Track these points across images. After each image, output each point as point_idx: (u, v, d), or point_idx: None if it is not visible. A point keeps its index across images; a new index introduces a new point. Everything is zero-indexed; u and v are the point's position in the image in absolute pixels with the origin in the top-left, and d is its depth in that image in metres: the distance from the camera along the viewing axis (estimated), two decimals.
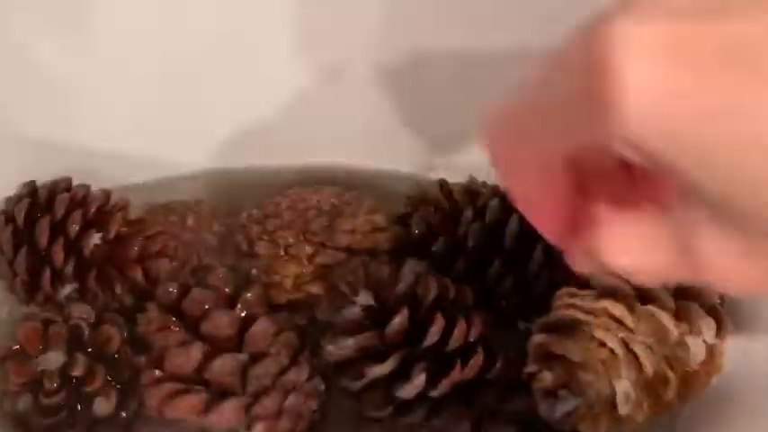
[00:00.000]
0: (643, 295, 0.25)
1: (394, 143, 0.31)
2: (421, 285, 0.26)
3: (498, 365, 0.26)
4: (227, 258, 0.30)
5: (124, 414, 0.28)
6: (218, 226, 0.32)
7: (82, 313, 0.28)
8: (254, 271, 0.29)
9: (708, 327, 0.25)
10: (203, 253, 0.31)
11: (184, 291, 0.28)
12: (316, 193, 0.30)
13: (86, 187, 0.30)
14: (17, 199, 0.28)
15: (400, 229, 0.29)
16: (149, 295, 0.29)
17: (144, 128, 0.33)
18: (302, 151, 0.32)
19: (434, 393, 0.25)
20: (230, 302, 0.28)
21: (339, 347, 0.25)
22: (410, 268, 0.26)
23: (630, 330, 0.25)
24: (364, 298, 0.26)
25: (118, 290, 0.29)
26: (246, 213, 0.30)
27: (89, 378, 0.27)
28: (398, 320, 0.25)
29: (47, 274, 0.27)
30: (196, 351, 0.26)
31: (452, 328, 0.25)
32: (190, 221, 0.32)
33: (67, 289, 0.28)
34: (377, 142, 0.32)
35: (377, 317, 0.25)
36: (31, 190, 0.29)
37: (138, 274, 0.29)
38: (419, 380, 0.24)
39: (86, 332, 0.28)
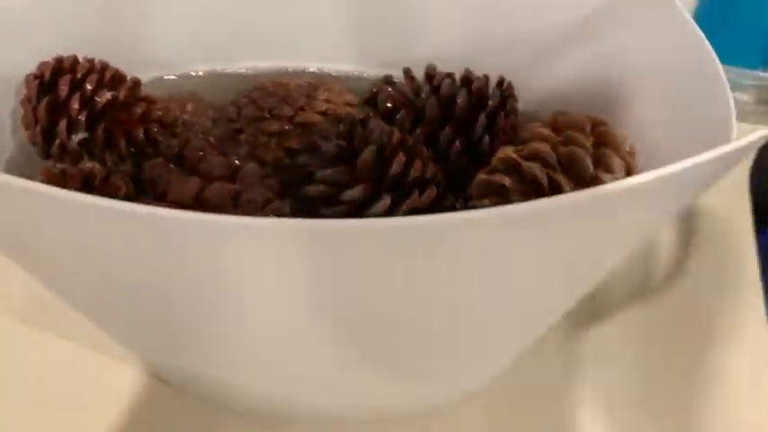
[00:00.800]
0: (566, 141, 0.31)
1: (363, 46, 0.37)
2: (385, 136, 0.31)
3: (449, 201, 0.31)
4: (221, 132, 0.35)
5: None
6: (212, 113, 0.37)
7: (96, 168, 0.33)
8: (242, 135, 0.34)
9: (620, 168, 0.31)
10: (199, 131, 0.36)
11: (185, 142, 0.33)
12: (297, 76, 0.35)
13: (106, 63, 0.34)
14: (46, 64, 0.33)
15: (369, 108, 0.35)
16: (149, 156, 0.34)
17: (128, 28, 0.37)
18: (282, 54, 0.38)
19: (397, 215, 0.30)
20: (224, 155, 0.33)
21: (317, 181, 0.30)
22: (376, 123, 0.32)
23: (553, 167, 0.30)
24: (337, 141, 0.31)
25: (122, 146, 0.33)
26: (237, 94, 0.36)
27: None
28: (367, 152, 0.30)
29: (63, 121, 0.32)
30: (194, 183, 0.31)
31: (412, 164, 0.30)
32: (189, 107, 0.37)
33: (80, 136, 0.32)
34: (347, 46, 0.37)
35: (348, 155, 0.30)
36: (58, 59, 0.33)
37: (140, 133, 0.33)
38: (386, 201, 0.29)
39: (97, 180, 0.32)
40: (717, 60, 0.27)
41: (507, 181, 0.30)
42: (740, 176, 0.48)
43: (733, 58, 0.49)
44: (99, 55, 0.37)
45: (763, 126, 0.37)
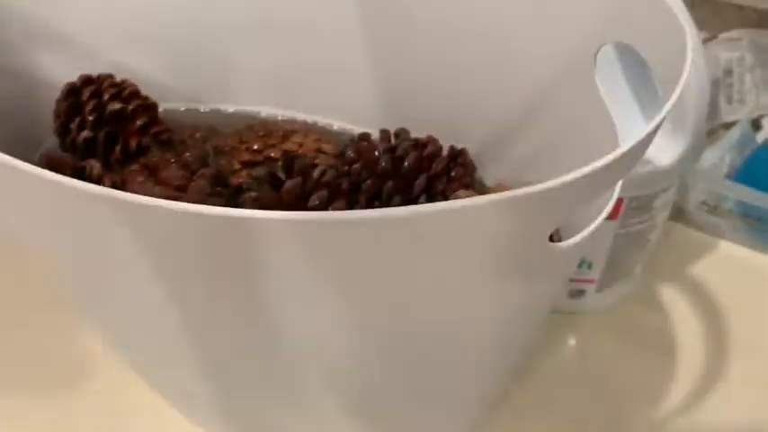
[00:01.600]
0: None
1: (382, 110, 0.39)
2: (324, 176, 0.32)
3: None
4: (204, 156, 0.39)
5: None
6: (214, 141, 0.41)
7: (93, 164, 0.38)
8: (222, 161, 0.37)
9: None
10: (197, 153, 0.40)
11: (161, 156, 0.37)
12: (288, 123, 0.38)
13: (132, 83, 0.40)
14: (84, 76, 0.39)
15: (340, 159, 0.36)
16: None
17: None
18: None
19: None
20: (192, 172, 0.36)
21: (243, 201, 0.32)
22: (321, 167, 0.33)
23: None
24: (273, 170, 0.32)
25: (117, 150, 0.37)
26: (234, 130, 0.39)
27: None
28: (291, 182, 0.31)
29: (76, 120, 0.37)
30: (147, 186, 0.34)
31: (333, 202, 0.31)
32: (198, 135, 0.41)
33: (85, 134, 0.37)
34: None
35: (279, 182, 0.32)
36: (98, 75, 0.40)
37: (134, 143, 0.38)
38: None
39: (87, 175, 0.37)
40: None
41: None
42: None
43: None
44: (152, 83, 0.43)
45: None
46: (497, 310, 0.24)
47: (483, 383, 0.30)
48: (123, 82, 0.40)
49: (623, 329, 0.43)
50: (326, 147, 0.37)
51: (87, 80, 0.38)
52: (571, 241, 0.22)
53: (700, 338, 0.43)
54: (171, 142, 0.39)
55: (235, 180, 0.36)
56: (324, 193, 0.31)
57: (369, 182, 0.34)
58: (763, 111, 0.55)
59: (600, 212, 0.24)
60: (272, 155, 0.36)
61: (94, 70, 0.40)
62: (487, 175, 0.37)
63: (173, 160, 0.35)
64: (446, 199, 0.33)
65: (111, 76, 0.39)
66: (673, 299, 0.45)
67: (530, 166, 0.34)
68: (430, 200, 0.33)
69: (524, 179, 0.34)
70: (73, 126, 0.37)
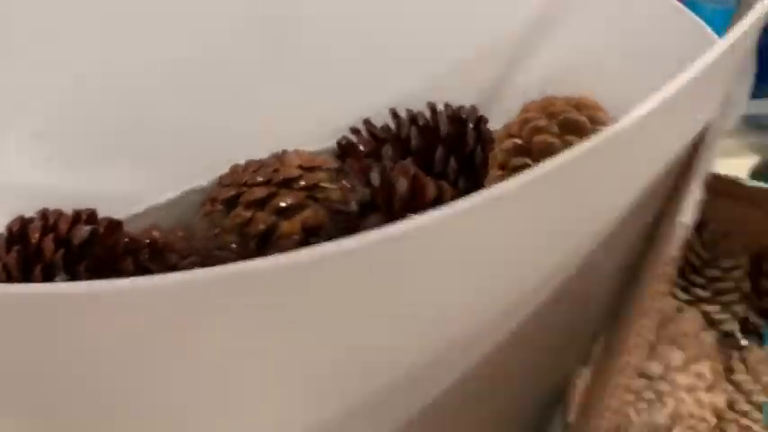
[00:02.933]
0: (552, 114, 0.28)
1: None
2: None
3: None
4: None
5: None
6: (183, 232, 0.32)
7: None
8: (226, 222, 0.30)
9: (611, 121, 0.26)
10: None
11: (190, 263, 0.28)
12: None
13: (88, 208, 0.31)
14: (12, 221, 0.29)
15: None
16: None
17: None
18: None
19: None
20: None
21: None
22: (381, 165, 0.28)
23: (559, 133, 0.27)
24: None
25: None
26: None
27: None
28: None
29: (38, 268, 0.27)
30: None
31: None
32: (156, 234, 0.32)
33: (59, 279, 0.27)
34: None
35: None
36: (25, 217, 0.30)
37: (129, 265, 0.28)
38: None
39: None
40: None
41: (528, 161, 0.25)
42: None
43: None
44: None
45: None
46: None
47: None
48: (60, 211, 0.30)
49: None
50: (319, 159, 0.32)
51: (24, 222, 0.29)
52: None
53: None
54: (164, 251, 0.30)
55: (256, 228, 0.29)
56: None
57: (409, 160, 0.30)
58: None
59: None
60: (288, 175, 0.30)
61: None
62: None
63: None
64: (490, 146, 0.30)
65: (44, 210, 0.30)
66: None
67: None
68: (483, 149, 0.30)
69: None
70: (36, 276, 0.27)
